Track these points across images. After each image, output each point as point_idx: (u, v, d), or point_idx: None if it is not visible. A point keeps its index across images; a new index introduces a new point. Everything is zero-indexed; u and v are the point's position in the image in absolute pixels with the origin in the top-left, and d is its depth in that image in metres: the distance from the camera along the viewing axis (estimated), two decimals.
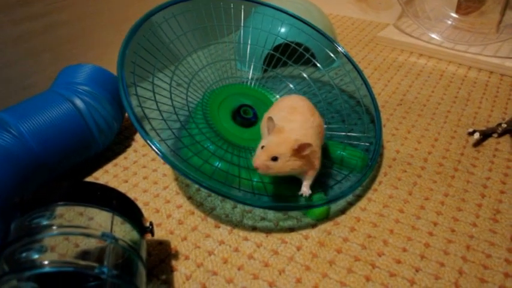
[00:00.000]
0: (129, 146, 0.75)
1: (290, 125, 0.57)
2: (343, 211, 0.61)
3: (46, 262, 0.37)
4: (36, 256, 0.37)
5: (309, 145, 0.53)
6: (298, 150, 0.53)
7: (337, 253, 0.54)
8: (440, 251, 0.54)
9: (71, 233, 0.41)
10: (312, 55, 0.81)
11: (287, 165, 0.54)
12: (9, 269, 0.36)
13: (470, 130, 0.75)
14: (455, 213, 0.60)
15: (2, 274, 0.36)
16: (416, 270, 0.52)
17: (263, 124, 0.62)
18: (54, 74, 0.71)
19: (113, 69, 0.63)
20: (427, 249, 0.55)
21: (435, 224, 0.58)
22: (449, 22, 1.12)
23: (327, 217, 0.60)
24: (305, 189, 0.58)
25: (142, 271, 0.44)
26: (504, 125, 0.75)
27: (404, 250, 0.55)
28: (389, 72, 0.99)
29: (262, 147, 0.54)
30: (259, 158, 0.53)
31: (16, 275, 0.36)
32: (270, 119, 0.56)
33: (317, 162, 0.57)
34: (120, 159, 0.72)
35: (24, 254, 0.38)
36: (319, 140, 0.59)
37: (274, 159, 0.53)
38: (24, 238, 0.39)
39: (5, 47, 0.71)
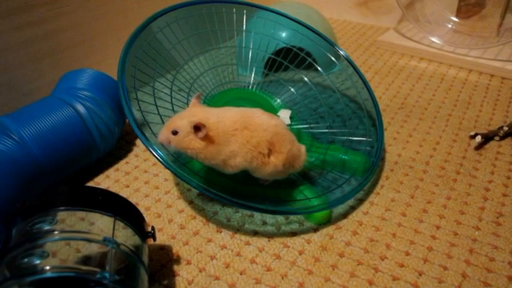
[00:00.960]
0: (130, 151, 0.75)
1: (214, 109, 0.56)
2: (345, 215, 0.61)
3: (47, 267, 0.37)
4: (37, 261, 0.37)
5: (204, 126, 0.51)
6: (196, 131, 0.52)
7: (340, 257, 0.54)
8: (443, 255, 0.54)
9: (73, 238, 0.41)
10: (313, 59, 0.81)
11: (184, 141, 0.52)
12: (11, 275, 0.36)
13: (472, 133, 0.75)
14: (458, 216, 0.60)
15: (3, 280, 0.35)
16: (420, 274, 0.51)
17: None
18: (55, 79, 0.72)
19: (114, 74, 0.63)
20: (430, 253, 0.54)
21: (438, 227, 0.58)
22: (450, 26, 1.12)
23: (329, 221, 0.60)
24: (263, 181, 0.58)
25: (144, 276, 0.43)
26: (506, 128, 0.75)
27: (407, 254, 0.54)
28: (390, 76, 0.99)
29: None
30: (161, 132, 0.53)
31: (17, 280, 0.36)
32: (198, 94, 0.56)
33: (224, 165, 0.55)
34: (121, 164, 0.72)
35: (25, 260, 0.37)
36: (235, 150, 0.54)
37: (174, 132, 0.52)
38: (26, 243, 0.39)
39: (6, 53, 0.71)
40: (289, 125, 0.73)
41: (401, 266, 0.53)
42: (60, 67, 0.80)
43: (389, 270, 0.52)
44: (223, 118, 0.54)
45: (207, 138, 0.52)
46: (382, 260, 0.54)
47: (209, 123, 0.52)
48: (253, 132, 0.54)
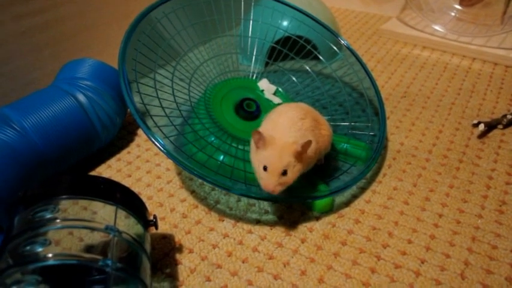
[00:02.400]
0: (132, 140, 0.75)
1: (276, 129, 0.54)
2: (347, 203, 0.61)
3: (50, 255, 0.37)
4: (39, 249, 0.37)
5: (309, 142, 0.51)
6: (302, 152, 0.51)
7: (342, 245, 0.54)
8: (445, 243, 0.54)
9: (75, 226, 0.41)
10: (315, 48, 0.80)
11: (295, 171, 0.52)
12: (14, 262, 0.36)
13: (475, 122, 0.74)
14: (461, 204, 0.60)
15: (6, 267, 0.36)
16: (422, 262, 0.51)
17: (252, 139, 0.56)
18: (56, 69, 0.71)
19: (115, 64, 0.63)
20: (432, 241, 0.54)
21: (440, 215, 0.58)
22: (453, 14, 1.11)
23: (331, 210, 0.59)
24: None
25: (146, 264, 0.43)
26: (509, 116, 0.74)
27: (410, 242, 0.54)
28: (392, 64, 0.98)
29: (265, 167, 0.51)
30: (271, 183, 0.50)
31: (20, 268, 0.36)
32: (256, 133, 0.51)
33: (312, 161, 0.57)
34: (123, 154, 0.72)
35: (28, 247, 0.37)
36: (314, 139, 0.55)
37: (284, 173, 0.51)
38: (28, 231, 0.39)
39: (7, 43, 0.71)
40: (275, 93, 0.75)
41: (404, 254, 0.53)
42: (61, 57, 0.79)
43: (391, 258, 0.52)
44: (289, 126, 0.55)
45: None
46: (385, 248, 0.54)
47: (296, 137, 0.53)
48: (305, 118, 0.56)
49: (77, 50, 0.83)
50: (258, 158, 0.52)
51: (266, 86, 0.74)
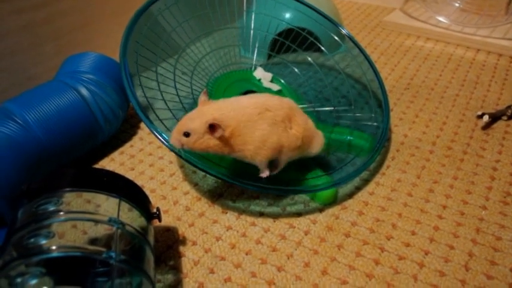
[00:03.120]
0: (135, 134, 0.75)
1: (226, 102, 0.53)
2: (350, 195, 0.60)
3: (54, 247, 0.37)
4: (44, 241, 0.37)
5: (218, 127, 0.49)
6: (211, 131, 0.50)
7: (346, 237, 0.54)
8: (449, 234, 0.54)
9: (78, 218, 0.41)
10: (318, 40, 0.80)
11: (200, 143, 0.51)
12: (18, 255, 0.36)
13: (479, 113, 0.74)
14: (465, 196, 0.59)
15: (11, 259, 0.36)
16: (426, 254, 0.51)
17: None
18: (58, 63, 0.71)
19: (117, 57, 0.63)
20: (436, 233, 0.54)
21: (444, 207, 0.58)
22: (457, 5, 1.10)
23: (334, 201, 0.59)
24: (261, 173, 0.56)
25: (150, 257, 0.44)
26: None
27: (413, 233, 0.54)
28: (396, 56, 0.98)
29: None
30: (172, 134, 0.51)
31: (24, 260, 0.36)
32: (204, 91, 0.53)
33: (249, 152, 0.53)
34: (126, 147, 0.72)
35: (32, 240, 0.37)
36: (266, 131, 0.53)
37: (186, 134, 0.50)
38: (32, 224, 0.39)
39: (8, 37, 0.70)
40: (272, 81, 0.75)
41: (408, 245, 0.53)
42: (63, 51, 0.79)
43: (395, 249, 0.52)
44: (241, 107, 0.53)
45: (228, 133, 0.51)
46: (388, 239, 0.53)
47: (228, 117, 0.51)
48: (275, 111, 0.54)
49: (79, 44, 0.83)
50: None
51: (262, 75, 0.74)
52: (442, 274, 0.49)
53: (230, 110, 0.52)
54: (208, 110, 0.52)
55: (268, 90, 0.72)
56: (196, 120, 0.50)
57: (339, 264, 0.51)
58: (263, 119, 0.53)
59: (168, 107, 0.60)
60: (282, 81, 0.76)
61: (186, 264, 0.51)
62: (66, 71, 0.68)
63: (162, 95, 0.60)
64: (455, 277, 0.48)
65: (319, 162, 0.63)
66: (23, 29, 0.72)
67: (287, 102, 0.57)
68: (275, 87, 0.73)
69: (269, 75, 0.75)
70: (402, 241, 0.53)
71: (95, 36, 0.86)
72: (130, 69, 0.59)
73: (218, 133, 0.50)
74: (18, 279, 0.36)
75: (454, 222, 0.55)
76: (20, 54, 0.73)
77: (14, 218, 0.41)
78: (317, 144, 0.59)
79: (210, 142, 0.51)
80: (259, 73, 0.75)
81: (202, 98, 0.53)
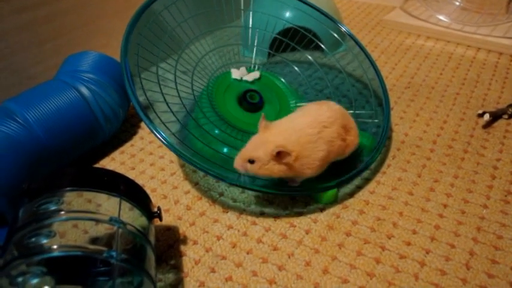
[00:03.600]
0: (135, 133, 0.75)
1: (284, 125, 0.54)
2: (351, 194, 0.60)
3: (55, 246, 0.37)
4: (45, 241, 0.37)
5: (288, 154, 0.50)
6: (278, 157, 0.51)
7: (346, 236, 0.54)
8: (450, 233, 0.54)
9: (79, 218, 0.41)
10: (319, 39, 0.80)
11: (265, 169, 0.51)
12: (19, 254, 0.36)
13: (480, 112, 0.74)
14: (466, 195, 0.59)
15: (12, 259, 0.36)
16: (427, 252, 0.51)
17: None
18: (58, 63, 0.71)
19: (117, 57, 0.63)
20: (437, 231, 0.54)
21: (445, 206, 0.58)
22: (457, 3, 1.10)
23: (335, 201, 0.59)
24: (291, 183, 0.57)
25: (151, 256, 0.44)
26: None
27: (414, 232, 0.54)
28: (396, 55, 0.98)
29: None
30: (236, 160, 0.52)
31: (25, 259, 0.36)
32: (262, 117, 0.53)
33: (309, 172, 0.54)
34: (126, 147, 0.72)
35: (33, 239, 0.38)
36: (325, 151, 0.54)
37: (251, 161, 0.51)
38: (33, 223, 0.39)
39: (8, 37, 0.70)
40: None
41: (409, 244, 0.53)
42: (63, 51, 0.79)
43: (396, 248, 0.52)
44: (300, 129, 0.53)
45: (293, 157, 0.51)
46: (389, 238, 0.53)
47: (290, 142, 0.51)
48: (331, 127, 0.55)
49: (79, 43, 0.83)
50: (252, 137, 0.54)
51: (239, 73, 0.73)
52: (443, 273, 0.49)
53: (291, 133, 0.53)
54: (271, 136, 0.52)
55: (268, 93, 0.72)
56: (261, 148, 0.51)
57: (340, 263, 0.51)
58: (322, 138, 0.54)
59: (168, 106, 0.60)
60: (283, 80, 0.76)
61: (187, 263, 0.51)
62: (67, 70, 0.68)
63: (162, 94, 0.60)
64: (456, 276, 0.48)
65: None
66: (23, 28, 0.72)
67: (337, 109, 0.58)
68: (256, 74, 0.72)
69: (243, 69, 0.73)
70: (403, 240, 0.53)
71: (96, 35, 0.85)
72: (131, 68, 0.59)
73: (286, 160, 0.51)
74: (19, 279, 0.36)
75: (455, 221, 0.55)
76: (20, 54, 0.73)
77: (14, 217, 0.41)
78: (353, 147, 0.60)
79: (275, 168, 0.52)
80: (236, 73, 0.73)
81: (263, 123, 0.53)
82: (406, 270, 0.49)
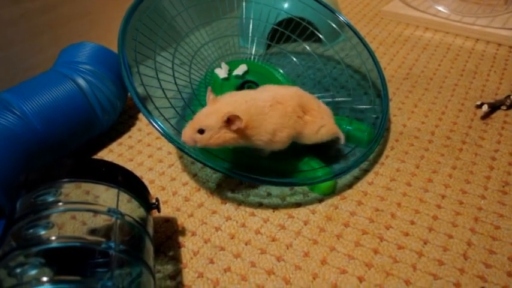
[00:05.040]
0: (133, 124, 0.75)
1: (234, 97, 0.54)
2: (350, 185, 0.60)
3: (53, 238, 0.37)
4: (43, 232, 0.37)
5: (238, 118, 0.50)
6: (228, 123, 0.50)
7: (345, 227, 0.54)
8: (448, 223, 0.54)
9: (77, 209, 0.41)
10: (317, 30, 0.79)
11: (216, 137, 0.51)
12: (17, 245, 0.36)
13: (478, 103, 0.74)
14: (464, 185, 0.59)
15: (10, 250, 0.36)
16: (425, 243, 0.51)
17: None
18: (56, 54, 0.71)
19: (115, 48, 0.62)
20: (435, 222, 0.54)
21: (443, 196, 0.58)
22: None
23: (333, 192, 0.59)
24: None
25: (149, 247, 0.44)
26: None
27: (412, 223, 0.54)
28: (394, 46, 0.97)
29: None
30: (184, 132, 0.51)
31: (24, 250, 0.36)
32: (209, 89, 0.53)
33: (261, 143, 0.54)
34: (124, 138, 0.72)
35: (31, 230, 0.37)
36: (278, 125, 0.54)
37: (201, 131, 0.51)
38: (31, 215, 0.39)
39: (5, 28, 0.70)
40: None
41: (407, 235, 0.53)
42: (60, 41, 0.78)
43: (394, 239, 0.52)
44: (250, 100, 0.53)
45: (243, 124, 0.51)
46: (387, 229, 0.54)
47: (241, 110, 0.51)
48: (285, 103, 0.55)
49: (77, 34, 0.82)
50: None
51: (224, 71, 0.72)
52: (441, 263, 0.49)
53: (241, 103, 0.53)
54: (222, 105, 0.52)
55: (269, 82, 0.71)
56: (211, 116, 0.51)
57: (338, 253, 0.51)
58: (275, 111, 0.54)
59: (166, 97, 0.59)
60: (281, 71, 0.76)
61: (185, 254, 0.51)
62: (64, 61, 0.67)
63: (160, 85, 0.60)
64: (454, 266, 0.49)
65: (318, 153, 0.62)
66: (20, 19, 0.72)
67: (295, 91, 0.58)
68: (244, 67, 0.72)
69: (225, 65, 0.73)
70: (401, 230, 0.53)
71: (93, 26, 0.85)
72: (128, 59, 0.59)
73: (236, 125, 0.50)
74: (18, 270, 0.36)
75: (453, 211, 0.56)
76: (17, 45, 0.73)
77: (12, 208, 0.41)
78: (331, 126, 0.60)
79: (227, 136, 0.51)
80: (222, 72, 0.72)
81: (211, 96, 0.53)
82: (404, 261, 0.49)
